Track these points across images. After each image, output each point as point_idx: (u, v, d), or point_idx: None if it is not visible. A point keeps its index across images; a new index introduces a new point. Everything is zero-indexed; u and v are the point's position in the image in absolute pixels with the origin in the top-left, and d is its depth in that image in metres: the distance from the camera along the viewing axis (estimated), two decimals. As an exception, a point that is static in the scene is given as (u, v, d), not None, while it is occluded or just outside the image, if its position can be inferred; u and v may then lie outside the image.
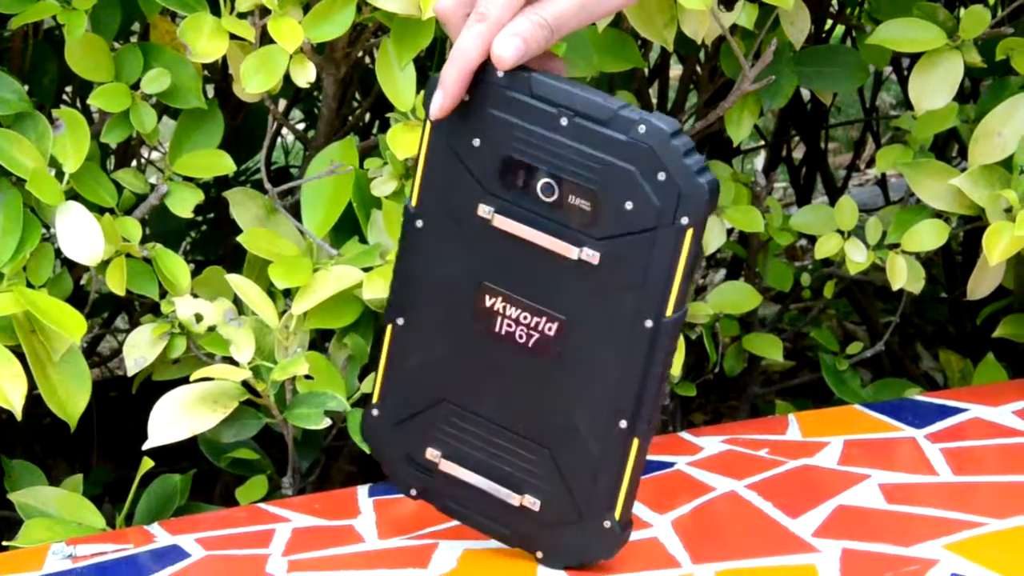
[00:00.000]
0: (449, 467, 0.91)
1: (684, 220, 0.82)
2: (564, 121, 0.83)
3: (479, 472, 0.90)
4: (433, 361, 0.90)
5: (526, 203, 0.85)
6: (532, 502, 0.89)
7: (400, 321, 0.90)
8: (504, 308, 0.87)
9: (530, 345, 0.87)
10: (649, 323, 0.84)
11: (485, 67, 0.84)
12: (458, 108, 0.84)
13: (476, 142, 0.85)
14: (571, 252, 0.84)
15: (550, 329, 0.86)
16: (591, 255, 0.84)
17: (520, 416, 0.88)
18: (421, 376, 0.90)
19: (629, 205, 0.82)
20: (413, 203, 0.88)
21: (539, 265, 0.85)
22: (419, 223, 0.88)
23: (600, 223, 0.83)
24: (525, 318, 0.87)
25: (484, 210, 0.85)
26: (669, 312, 0.83)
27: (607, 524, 0.88)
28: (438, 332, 0.89)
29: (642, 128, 0.81)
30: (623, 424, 0.86)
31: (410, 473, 0.92)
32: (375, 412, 0.92)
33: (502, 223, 0.85)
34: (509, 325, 0.87)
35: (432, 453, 0.91)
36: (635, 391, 0.85)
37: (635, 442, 0.86)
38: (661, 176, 0.81)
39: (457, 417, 0.90)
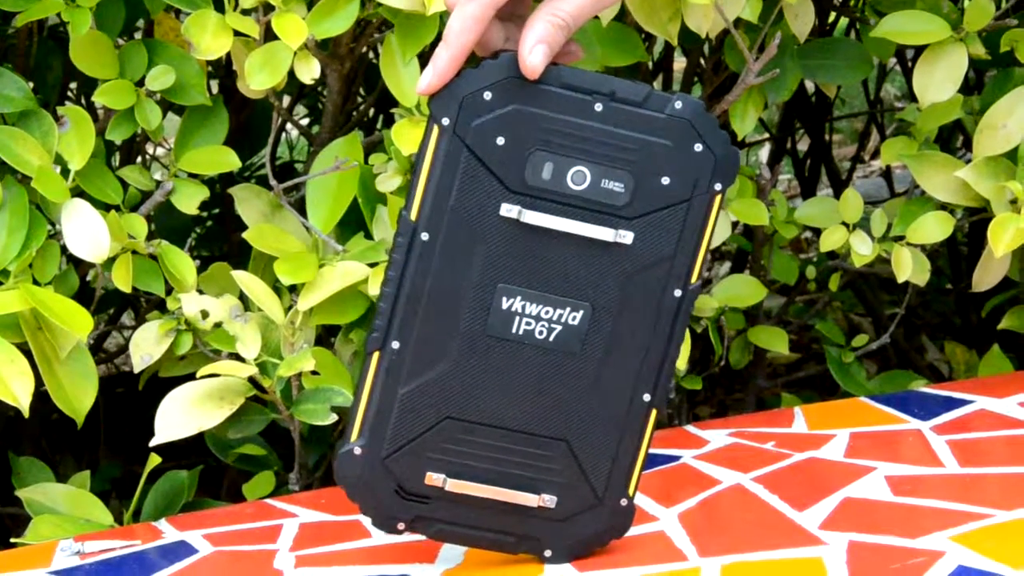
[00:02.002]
0: (456, 486, 0.88)
1: (717, 186, 0.86)
2: (599, 107, 0.85)
3: (490, 483, 0.88)
4: (435, 380, 0.87)
5: (555, 195, 0.85)
6: (548, 499, 0.89)
7: (395, 345, 0.85)
8: (523, 307, 0.86)
9: (551, 339, 0.87)
10: (678, 292, 0.87)
11: (508, 64, 0.84)
12: (479, 108, 0.83)
13: (500, 140, 0.84)
14: (607, 235, 0.86)
15: (574, 319, 0.87)
16: (625, 235, 0.86)
17: (536, 415, 0.88)
18: (419, 399, 0.87)
19: (666, 180, 0.86)
20: (413, 215, 0.84)
21: (565, 255, 0.86)
22: (424, 236, 0.84)
23: (635, 202, 0.86)
24: (547, 312, 0.86)
25: (508, 209, 0.85)
26: (694, 279, 0.87)
27: (623, 502, 0.90)
28: (442, 348, 0.86)
29: (678, 104, 0.85)
30: (646, 397, 0.88)
31: (398, 505, 0.88)
32: (357, 450, 0.87)
33: (532, 218, 0.85)
34: (528, 323, 0.86)
35: (433, 477, 0.87)
36: (660, 362, 0.88)
37: (653, 413, 0.88)
38: (698, 147, 0.86)
39: (463, 432, 0.87)
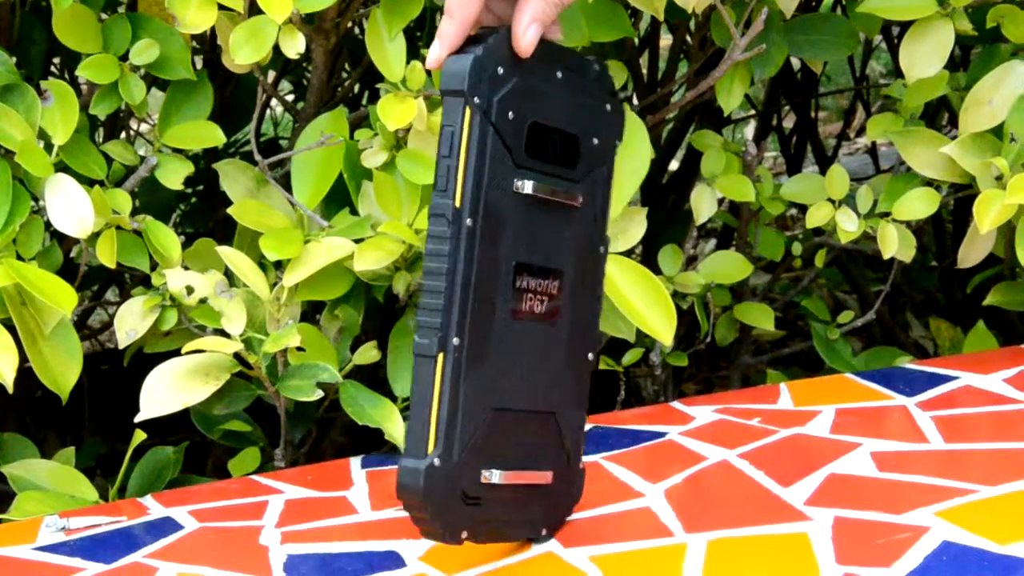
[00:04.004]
0: (500, 478, 0.85)
1: (618, 142, 0.89)
2: (560, 75, 0.86)
3: (522, 468, 0.86)
4: (483, 373, 0.83)
5: (545, 165, 0.85)
6: (548, 475, 0.88)
7: (455, 342, 0.81)
8: (528, 283, 0.86)
9: (544, 312, 0.87)
10: (602, 249, 0.89)
11: (508, 38, 0.83)
12: (496, 84, 0.82)
13: (511, 115, 0.83)
14: (577, 199, 0.87)
15: (554, 288, 0.87)
16: (580, 198, 0.87)
17: (539, 391, 0.87)
18: (474, 396, 0.83)
19: (596, 140, 0.88)
20: (457, 202, 0.81)
21: (548, 224, 0.86)
22: (468, 222, 0.81)
23: (581, 164, 0.88)
24: (540, 285, 0.86)
25: (518, 184, 0.84)
26: (608, 233, 0.90)
27: (581, 464, 0.91)
28: (487, 338, 0.83)
29: (596, 67, 0.88)
30: (591, 356, 0.88)
31: (462, 513, 0.84)
32: (437, 461, 0.81)
33: (537, 190, 0.85)
34: (530, 299, 0.86)
35: (486, 475, 0.85)
36: (595, 321, 0.89)
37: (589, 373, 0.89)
38: (608, 106, 0.89)
39: (501, 421, 0.85)
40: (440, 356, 0.81)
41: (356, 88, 1.57)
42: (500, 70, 0.83)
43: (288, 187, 1.13)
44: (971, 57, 1.60)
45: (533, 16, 0.83)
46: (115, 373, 1.43)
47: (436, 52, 0.83)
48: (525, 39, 0.83)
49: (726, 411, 1.10)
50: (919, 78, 1.18)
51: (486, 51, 0.82)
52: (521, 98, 0.84)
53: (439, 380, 0.81)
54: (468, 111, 0.81)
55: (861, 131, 2.47)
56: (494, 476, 0.85)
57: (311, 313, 1.18)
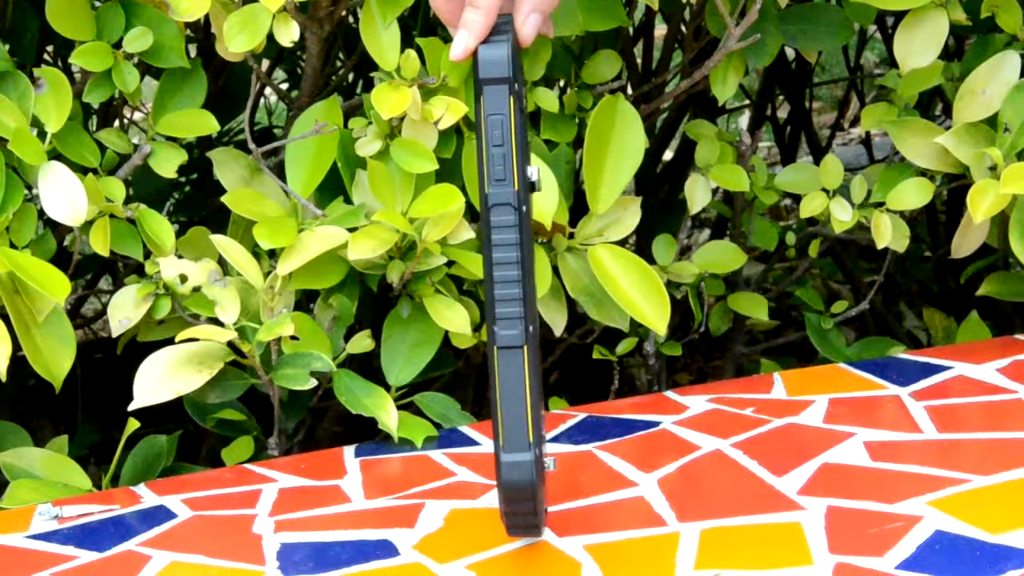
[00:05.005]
0: (553, 465, 0.85)
1: None
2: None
3: (547, 453, 0.86)
4: (538, 360, 0.83)
5: (526, 143, 0.85)
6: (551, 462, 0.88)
7: (531, 329, 0.81)
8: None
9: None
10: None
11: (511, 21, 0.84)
12: (517, 72, 0.83)
13: (524, 100, 0.84)
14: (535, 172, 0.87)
15: (529, 260, 0.87)
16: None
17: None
18: (539, 383, 0.83)
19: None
20: (516, 185, 0.81)
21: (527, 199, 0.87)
22: (524, 208, 0.81)
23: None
24: (528, 261, 0.86)
25: (530, 171, 0.84)
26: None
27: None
28: (536, 322, 0.83)
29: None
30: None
31: (541, 505, 0.83)
32: (537, 452, 0.80)
33: (531, 172, 0.85)
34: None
35: (547, 463, 0.84)
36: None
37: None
38: None
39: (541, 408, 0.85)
40: (525, 348, 0.80)
41: (350, 77, 1.57)
42: (515, 60, 0.84)
43: (282, 176, 1.13)
44: (965, 47, 1.60)
45: (533, 6, 0.83)
46: (108, 362, 1.42)
47: (465, 42, 0.83)
48: (526, 28, 0.83)
49: (720, 401, 1.10)
50: (913, 68, 1.18)
51: (512, 39, 0.82)
52: (521, 83, 0.85)
53: (528, 371, 0.80)
54: (512, 100, 0.81)
55: (855, 121, 2.47)
56: (551, 464, 0.85)
57: (305, 302, 1.18)
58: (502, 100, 0.81)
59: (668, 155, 1.70)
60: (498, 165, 0.80)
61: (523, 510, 0.81)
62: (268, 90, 1.37)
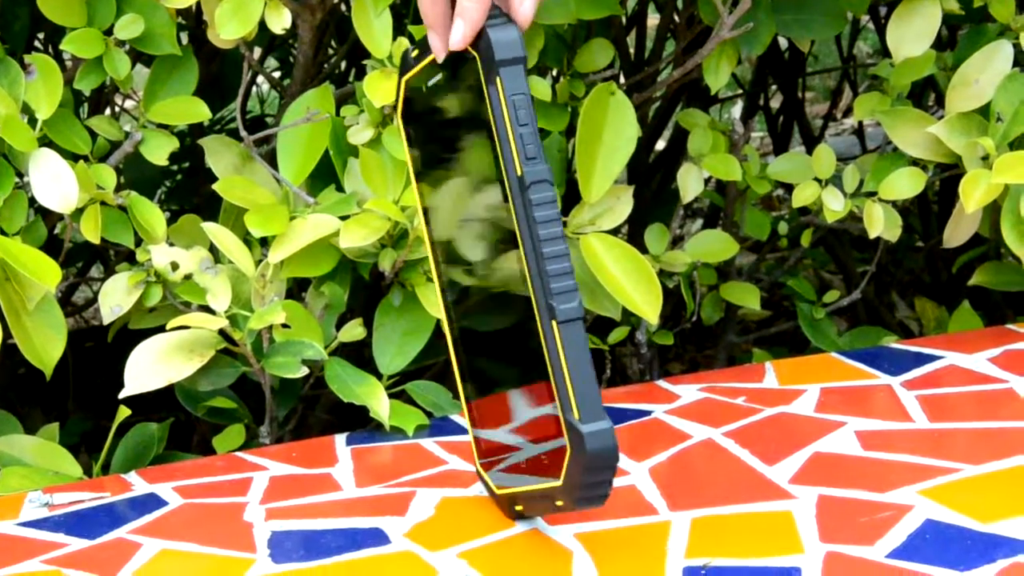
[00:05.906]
0: None
1: None
2: None
3: None
4: None
5: None
6: None
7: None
8: None
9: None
10: None
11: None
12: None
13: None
14: None
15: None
16: None
17: None
18: None
19: None
20: (548, 164, 0.81)
21: None
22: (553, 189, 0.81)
23: None
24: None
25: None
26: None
27: None
28: None
29: None
30: None
31: None
32: (610, 421, 0.80)
33: None
34: None
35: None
36: None
37: None
38: None
39: None
40: (580, 321, 0.80)
41: (343, 65, 1.56)
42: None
43: (274, 163, 1.13)
44: (958, 37, 1.60)
45: None
46: (99, 349, 1.42)
47: (463, 30, 0.82)
48: (523, 10, 0.83)
49: (711, 390, 1.10)
50: (906, 58, 1.18)
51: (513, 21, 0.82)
52: None
53: (583, 344, 0.80)
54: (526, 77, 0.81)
55: (848, 111, 2.46)
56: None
57: (296, 290, 1.18)
58: (521, 79, 0.80)
59: (661, 144, 1.69)
60: (529, 144, 0.80)
61: (604, 479, 0.81)
62: (260, 78, 1.36)
